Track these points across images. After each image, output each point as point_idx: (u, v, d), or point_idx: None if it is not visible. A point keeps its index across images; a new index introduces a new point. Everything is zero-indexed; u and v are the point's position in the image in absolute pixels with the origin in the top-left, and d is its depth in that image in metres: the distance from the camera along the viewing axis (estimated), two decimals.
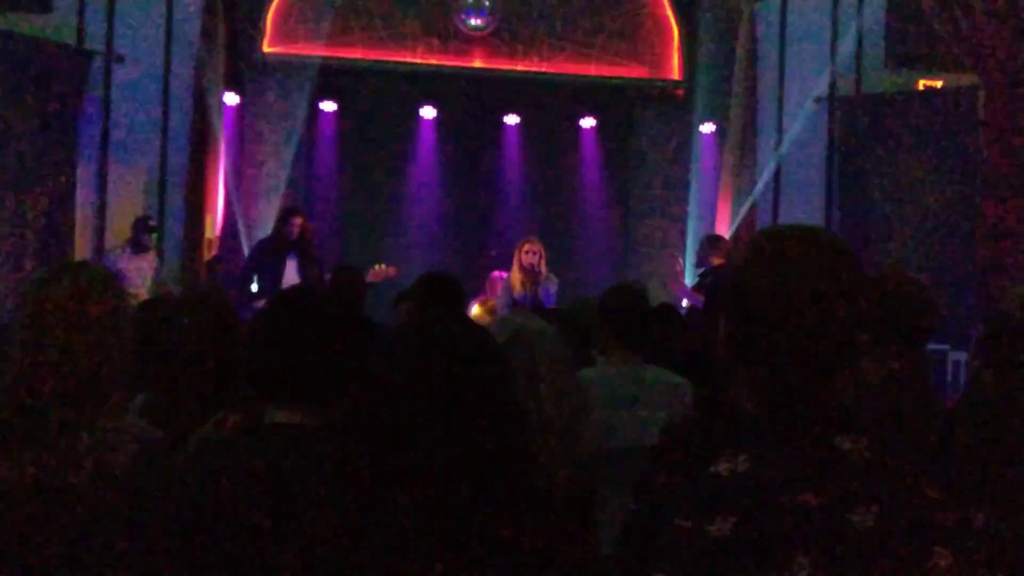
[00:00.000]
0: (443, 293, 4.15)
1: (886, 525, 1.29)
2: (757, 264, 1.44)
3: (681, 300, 8.14)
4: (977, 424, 2.28)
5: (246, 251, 9.40)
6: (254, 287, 8.23)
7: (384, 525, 1.49)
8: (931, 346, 7.60)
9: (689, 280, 8.95)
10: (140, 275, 8.43)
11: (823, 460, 1.35)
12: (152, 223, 8.74)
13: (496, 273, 9.12)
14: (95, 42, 9.25)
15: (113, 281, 2.34)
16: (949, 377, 7.92)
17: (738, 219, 10.02)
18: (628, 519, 2.70)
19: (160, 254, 9.00)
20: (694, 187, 10.90)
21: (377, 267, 7.81)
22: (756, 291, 1.42)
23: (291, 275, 8.04)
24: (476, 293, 8.59)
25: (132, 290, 8.28)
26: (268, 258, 8.08)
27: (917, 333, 2.56)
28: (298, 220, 8.19)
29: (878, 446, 1.36)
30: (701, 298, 7.89)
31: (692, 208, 10.82)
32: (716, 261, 8.42)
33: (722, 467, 1.40)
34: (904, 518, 1.30)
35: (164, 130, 9.49)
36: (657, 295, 8.37)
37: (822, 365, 1.39)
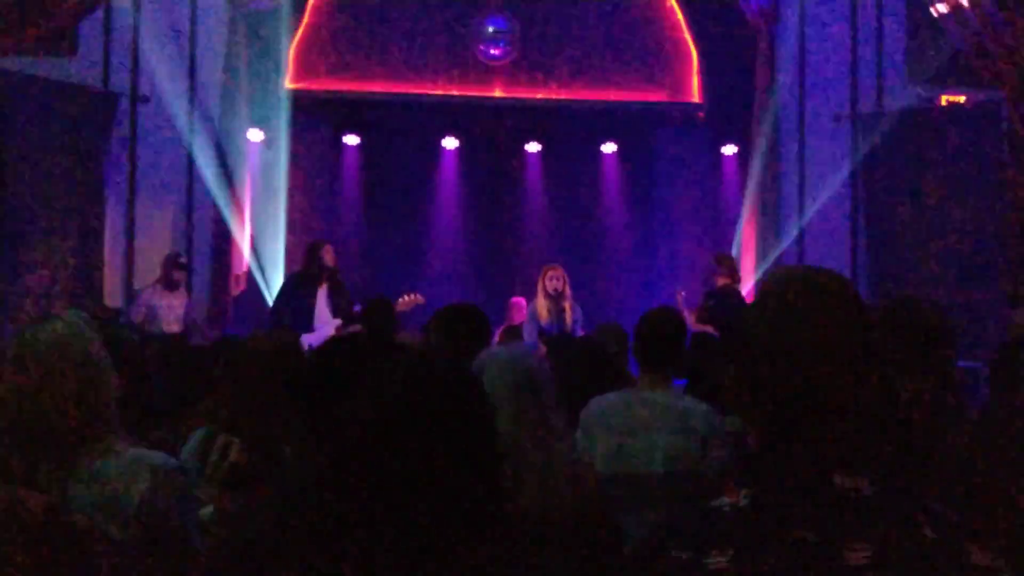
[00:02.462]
0: (468, 326, 4.15)
1: (879, 564, 1.31)
2: (761, 309, 1.48)
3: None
4: (985, 446, 2.28)
5: (263, 284, 9.49)
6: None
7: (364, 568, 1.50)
8: (962, 363, 7.56)
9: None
10: (172, 312, 8.53)
11: (821, 498, 1.38)
12: (182, 260, 8.84)
13: (516, 299, 9.14)
14: (120, 84, 9.38)
15: (87, 327, 2.40)
16: (983, 395, 7.83)
17: (763, 239, 9.98)
18: (632, 549, 2.70)
19: (190, 291, 9.08)
20: (717, 208, 10.90)
21: (405, 297, 7.84)
22: (759, 335, 1.46)
23: (321, 308, 8.07)
24: (500, 320, 8.61)
25: (164, 326, 8.37)
26: (299, 292, 8.11)
27: (936, 358, 2.55)
28: (330, 249, 8.25)
29: (877, 485, 1.38)
30: (703, 327, 7.85)
31: (716, 230, 10.81)
32: (721, 281, 8.41)
33: (724, 501, 1.44)
34: (899, 558, 1.31)
35: (189, 168, 9.60)
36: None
37: (823, 406, 1.42)
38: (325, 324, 7.98)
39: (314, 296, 8.06)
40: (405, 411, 1.53)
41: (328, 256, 8.15)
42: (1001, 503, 2.21)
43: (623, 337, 5.40)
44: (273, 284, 9.54)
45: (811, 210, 10.12)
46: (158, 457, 2.37)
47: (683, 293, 8.64)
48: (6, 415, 2.25)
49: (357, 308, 8.17)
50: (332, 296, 8.13)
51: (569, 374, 3.89)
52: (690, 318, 8.15)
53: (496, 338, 7.05)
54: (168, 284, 8.65)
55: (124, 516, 2.21)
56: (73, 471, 2.23)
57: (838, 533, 1.34)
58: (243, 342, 3.60)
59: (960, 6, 8.23)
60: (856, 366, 1.43)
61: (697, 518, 1.45)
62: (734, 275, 8.67)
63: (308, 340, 7.55)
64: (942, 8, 8.44)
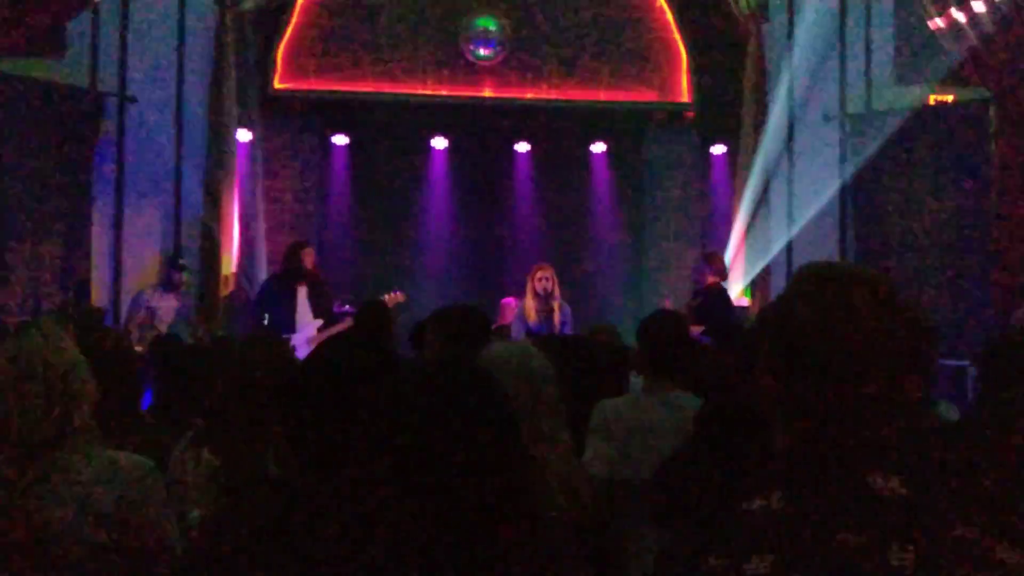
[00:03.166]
0: (469, 328, 4.15)
1: (924, 565, 1.28)
2: (801, 303, 1.45)
3: None
4: (971, 444, 2.28)
5: (246, 284, 9.48)
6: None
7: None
8: (950, 362, 7.58)
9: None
10: (169, 313, 8.54)
11: (858, 498, 1.35)
12: (183, 262, 8.85)
13: (507, 300, 9.13)
14: (108, 84, 9.34)
15: (61, 335, 2.43)
16: (970, 394, 7.84)
17: (751, 238, 9.99)
18: (659, 555, 2.68)
19: (188, 292, 9.07)
20: (707, 208, 10.90)
21: (387, 296, 7.86)
22: (798, 330, 1.42)
23: (303, 309, 8.08)
24: (491, 320, 8.60)
25: (161, 327, 8.37)
26: (280, 293, 8.13)
27: (920, 361, 2.54)
28: (310, 251, 8.28)
29: (910, 484, 1.36)
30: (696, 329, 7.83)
31: (706, 230, 10.82)
32: (710, 279, 8.40)
33: (756, 504, 1.39)
34: (942, 558, 1.29)
35: (178, 169, 9.57)
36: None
37: (860, 403, 1.39)
38: (307, 324, 7.99)
39: (294, 297, 8.09)
40: (431, 416, 1.52)
41: (308, 259, 8.20)
42: (986, 500, 2.21)
43: (616, 337, 5.38)
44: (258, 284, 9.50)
45: (800, 210, 10.13)
46: (133, 460, 2.38)
47: (668, 301, 8.64)
48: None
49: (343, 308, 8.18)
50: (313, 296, 8.16)
51: (562, 374, 3.87)
52: None
53: None
54: (168, 285, 8.68)
55: (101, 519, 2.22)
56: (47, 476, 2.23)
57: (879, 535, 1.31)
58: (235, 348, 3.60)
59: (955, 20, 8.27)
60: (898, 366, 1.41)
61: (731, 521, 1.41)
62: (722, 274, 8.68)
63: (290, 341, 7.55)
64: (940, 23, 8.47)
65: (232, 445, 2.92)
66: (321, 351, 2.23)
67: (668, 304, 8.59)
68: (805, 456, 1.41)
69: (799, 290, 1.48)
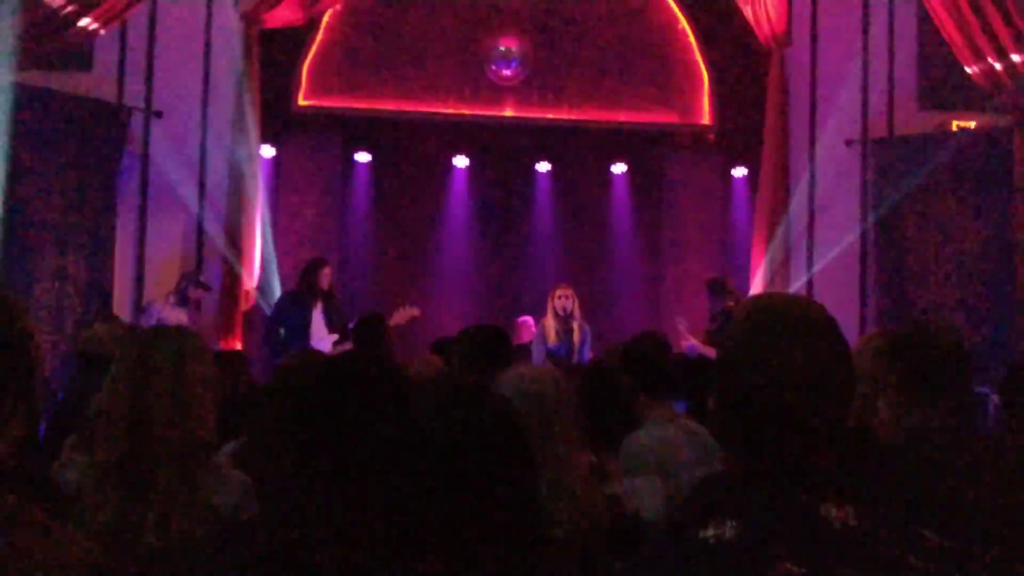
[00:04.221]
0: (492, 349, 4.16)
1: None
2: (739, 338, 1.48)
3: (694, 354, 8.05)
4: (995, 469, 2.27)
5: (262, 302, 9.50)
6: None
7: None
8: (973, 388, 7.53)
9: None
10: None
11: (807, 529, 1.37)
12: (203, 279, 8.87)
13: (523, 318, 9.13)
14: (134, 98, 9.43)
15: (208, 347, 2.44)
16: (991, 421, 7.79)
17: (773, 263, 9.97)
18: None
19: (198, 307, 9.10)
20: (727, 231, 10.89)
21: (401, 310, 7.87)
22: (740, 362, 1.46)
23: (317, 326, 8.10)
24: (511, 342, 8.59)
25: None
26: (296, 309, 8.14)
27: (951, 381, 2.53)
28: (328, 271, 8.29)
29: (864, 514, 1.38)
30: (706, 350, 7.80)
31: (726, 252, 10.80)
32: (729, 304, 8.36)
33: (710, 533, 1.41)
34: None
35: (201, 184, 9.64)
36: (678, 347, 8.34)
37: (803, 434, 1.42)
38: (321, 340, 8.00)
39: (309, 313, 8.09)
40: (444, 442, 1.53)
41: (325, 279, 8.20)
42: (1009, 527, 2.20)
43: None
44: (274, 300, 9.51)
45: (822, 235, 10.11)
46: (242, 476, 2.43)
47: (684, 323, 8.61)
48: (117, 425, 2.26)
49: (353, 325, 8.19)
50: (327, 312, 8.17)
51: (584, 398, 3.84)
52: (691, 342, 8.11)
53: None
54: (181, 300, 8.67)
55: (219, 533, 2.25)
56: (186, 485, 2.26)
57: (826, 565, 1.33)
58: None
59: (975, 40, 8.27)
60: (840, 393, 1.44)
61: (685, 549, 1.42)
62: (734, 297, 8.62)
63: None
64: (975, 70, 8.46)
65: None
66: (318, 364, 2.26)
67: (683, 326, 8.57)
68: (758, 485, 1.43)
69: (736, 325, 1.51)
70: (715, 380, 1.51)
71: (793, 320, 1.46)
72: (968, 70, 8.63)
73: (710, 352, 7.77)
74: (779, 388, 1.41)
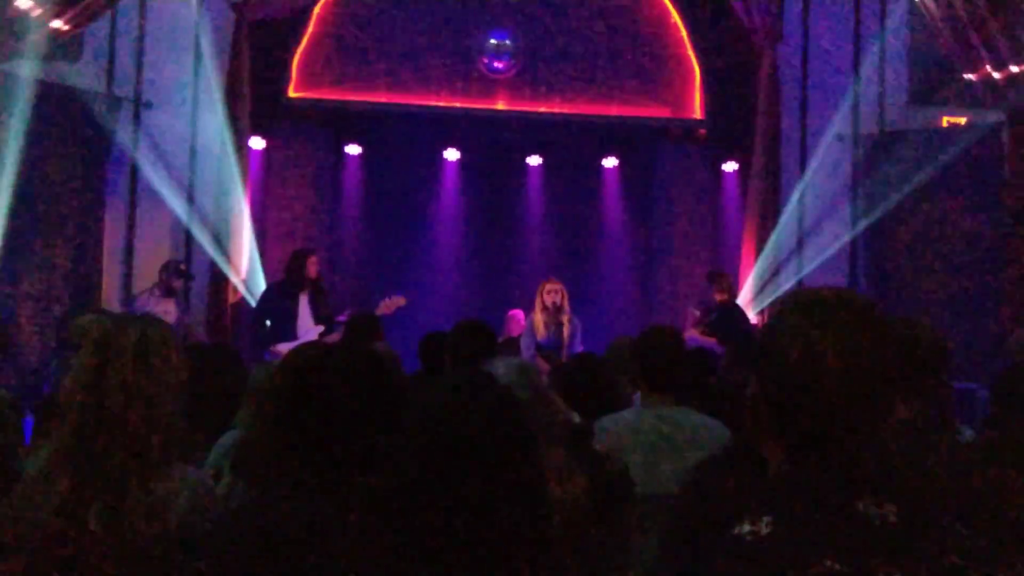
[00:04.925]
0: (476, 342, 4.25)
1: None
2: (786, 328, 1.46)
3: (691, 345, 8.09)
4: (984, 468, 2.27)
5: (246, 294, 9.49)
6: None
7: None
8: (960, 384, 7.57)
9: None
10: (166, 319, 8.47)
11: (846, 525, 1.35)
12: (183, 268, 8.81)
13: (513, 311, 9.13)
14: (124, 89, 9.39)
15: (173, 336, 2.40)
16: (980, 416, 7.82)
17: (763, 257, 9.99)
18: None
19: (187, 299, 9.08)
20: (717, 225, 10.90)
21: (387, 300, 7.86)
22: (785, 355, 1.43)
23: (304, 317, 8.06)
24: (498, 332, 8.60)
25: None
26: (282, 301, 8.10)
27: (934, 382, 2.54)
28: (314, 260, 8.25)
29: (903, 512, 1.36)
30: (711, 340, 7.85)
31: (717, 246, 10.81)
32: (719, 297, 8.45)
33: (746, 529, 1.39)
34: None
35: (191, 175, 9.60)
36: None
37: (849, 428, 1.40)
38: (308, 332, 7.98)
39: (295, 304, 8.05)
40: (455, 438, 1.53)
41: (312, 267, 8.14)
42: (1001, 526, 2.20)
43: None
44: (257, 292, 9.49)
45: (811, 229, 10.13)
46: (200, 476, 2.42)
47: (697, 312, 8.64)
48: (76, 415, 2.24)
49: (341, 317, 8.16)
50: (313, 303, 8.13)
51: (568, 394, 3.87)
52: (692, 334, 8.14)
53: None
54: (166, 291, 8.60)
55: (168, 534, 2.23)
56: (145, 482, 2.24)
57: (867, 563, 1.31)
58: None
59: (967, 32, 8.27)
60: (882, 389, 1.42)
61: (720, 546, 1.41)
62: (730, 292, 8.71)
63: (291, 348, 7.52)
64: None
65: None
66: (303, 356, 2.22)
67: (694, 315, 8.60)
68: (796, 481, 1.42)
69: (786, 318, 1.49)
70: (758, 370, 1.49)
71: (838, 314, 1.44)
72: (967, 77, 8.64)
73: (709, 343, 7.82)
74: (822, 382, 1.40)
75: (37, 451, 2.60)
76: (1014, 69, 8.17)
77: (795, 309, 1.48)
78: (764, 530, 1.38)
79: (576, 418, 3.35)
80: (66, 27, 8.05)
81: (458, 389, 1.60)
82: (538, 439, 1.61)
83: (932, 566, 1.31)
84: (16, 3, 7.60)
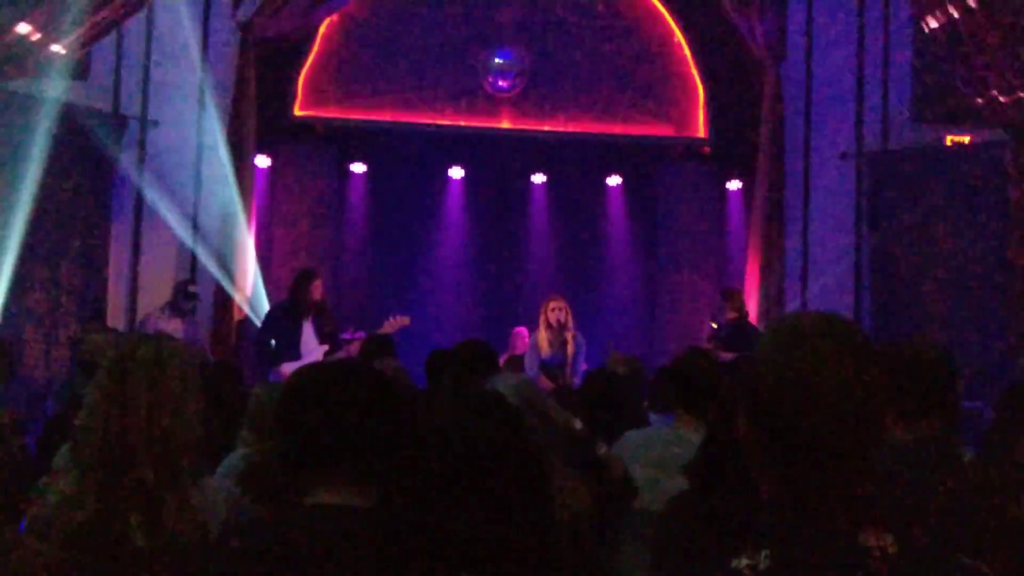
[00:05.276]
0: (480, 361, 4.27)
1: None
2: (772, 358, 1.43)
3: None
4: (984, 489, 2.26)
5: (250, 312, 9.49)
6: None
7: None
8: (965, 404, 7.54)
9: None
10: (176, 336, 8.54)
11: (846, 558, 1.32)
12: (192, 289, 8.87)
13: (518, 329, 9.13)
14: (130, 107, 9.44)
15: (187, 352, 2.43)
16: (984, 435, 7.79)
17: (767, 275, 9.98)
18: None
19: (195, 317, 9.11)
20: (721, 243, 10.91)
21: (391, 320, 7.86)
22: (773, 385, 1.41)
23: (308, 338, 8.06)
24: (502, 349, 8.60)
25: None
26: (286, 322, 8.10)
27: (941, 403, 2.52)
28: (319, 283, 8.25)
29: (903, 543, 1.34)
30: (729, 356, 7.81)
31: (720, 265, 10.82)
32: (730, 315, 8.47)
33: (743, 563, 1.37)
34: None
35: (196, 193, 9.63)
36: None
37: (843, 458, 1.37)
38: (312, 352, 7.98)
39: (299, 326, 8.05)
40: (464, 457, 1.53)
41: (316, 291, 8.12)
42: (1002, 545, 2.19)
43: (637, 367, 5.33)
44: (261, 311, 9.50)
45: (815, 247, 10.13)
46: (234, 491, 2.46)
47: (715, 326, 8.65)
48: (100, 428, 2.26)
49: (346, 335, 8.16)
50: (317, 324, 8.13)
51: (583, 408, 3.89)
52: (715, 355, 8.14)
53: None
54: (176, 310, 8.72)
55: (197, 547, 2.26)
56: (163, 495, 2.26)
57: None
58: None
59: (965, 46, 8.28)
60: (874, 417, 1.39)
61: None
62: (741, 310, 8.69)
63: (296, 368, 7.52)
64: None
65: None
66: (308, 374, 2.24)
67: (711, 328, 8.61)
68: (792, 512, 1.39)
69: (768, 347, 1.45)
70: (746, 403, 1.46)
71: (827, 341, 1.41)
72: (970, 96, 8.64)
73: (724, 358, 7.78)
74: (815, 412, 1.37)
75: (51, 470, 2.61)
76: (1021, 94, 8.18)
77: (776, 341, 1.45)
78: (762, 564, 1.35)
79: (579, 424, 3.36)
80: (64, 51, 8.09)
81: (466, 407, 1.61)
82: (545, 457, 1.62)
83: None
84: (15, 28, 7.64)
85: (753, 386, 1.44)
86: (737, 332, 8.31)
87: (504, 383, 2.79)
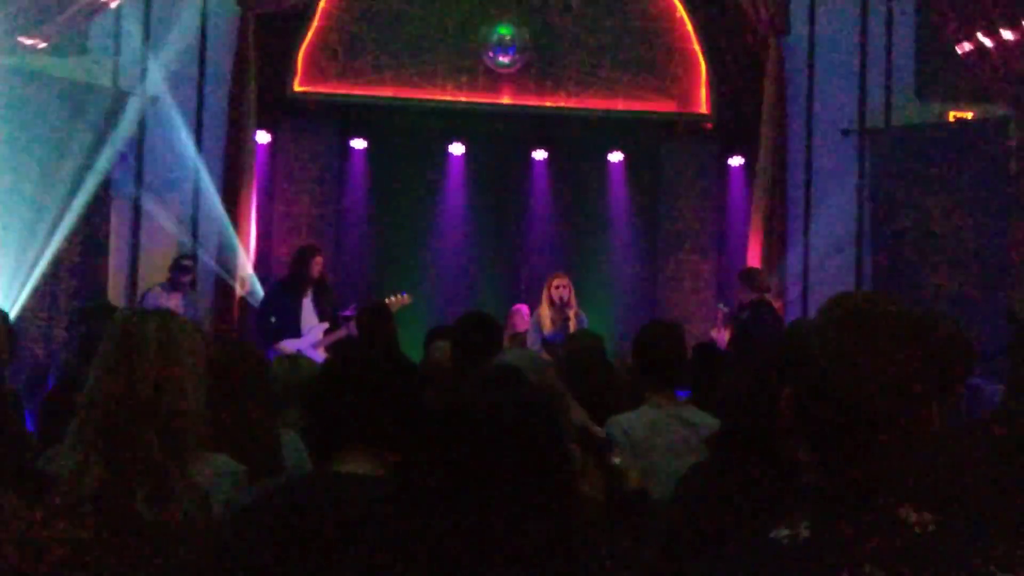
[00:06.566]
0: (482, 335, 4.22)
1: None
2: (823, 336, 1.45)
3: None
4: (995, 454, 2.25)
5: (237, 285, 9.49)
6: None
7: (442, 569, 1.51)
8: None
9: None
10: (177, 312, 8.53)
11: (886, 532, 1.35)
12: (184, 263, 8.87)
13: (518, 306, 9.12)
14: (129, 83, 9.39)
15: (192, 326, 2.44)
16: (986, 411, 7.80)
17: (769, 252, 9.97)
18: None
19: (194, 290, 9.11)
20: (723, 219, 10.89)
21: (392, 298, 7.86)
22: (825, 361, 1.43)
23: (308, 314, 8.06)
24: (502, 327, 8.58)
25: None
26: (286, 298, 8.10)
27: (953, 378, 2.51)
28: (319, 259, 8.24)
29: (944, 521, 1.36)
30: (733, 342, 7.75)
31: (723, 241, 10.80)
32: (752, 296, 8.28)
33: (783, 533, 1.39)
34: None
35: (196, 169, 9.60)
36: (695, 334, 8.29)
37: (888, 434, 1.39)
38: (312, 329, 7.98)
39: (299, 302, 8.05)
40: (489, 432, 1.53)
41: (316, 267, 8.13)
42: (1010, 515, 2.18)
43: (597, 342, 5.21)
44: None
45: (817, 224, 10.11)
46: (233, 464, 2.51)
47: (726, 309, 8.54)
48: (106, 401, 2.26)
49: (346, 312, 8.17)
50: (317, 300, 8.13)
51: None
52: (723, 334, 8.08)
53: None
54: (174, 286, 8.74)
55: (208, 521, 2.30)
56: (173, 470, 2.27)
57: (904, 569, 1.31)
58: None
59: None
60: (923, 394, 1.41)
61: (756, 550, 1.40)
62: (763, 290, 8.50)
63: (296, 345, 7.55)
64: (966, 46, 8.41)
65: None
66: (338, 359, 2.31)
67: (723, 312, 8.51)
68: (834, 488, 1.41)
69: (821, 325, 1.48)
70: (795, 377, 1.48)
71: (877, 319, 1.44)
72: (959, 50, 8.59)
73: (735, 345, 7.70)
74: (862, 388, 1.39)
75: (54, 444, 2.61)
76: (1008, 36, 8.12)
77: (830, 319, 1.48)
78: (803, 534, 1.38)
79: (586, 418, 3.33)
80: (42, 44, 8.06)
81: (490, 383, 1.60)
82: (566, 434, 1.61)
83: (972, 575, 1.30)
84: None
85: (801, 363, 1.46)
86: (757, 313, 8.11)
87: (519, 357, 2.78)
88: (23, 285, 8.22)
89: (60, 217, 8.58)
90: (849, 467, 1.40)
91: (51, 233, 8.51)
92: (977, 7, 8.17)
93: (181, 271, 8.83)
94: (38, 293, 8.39)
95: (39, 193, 8.37)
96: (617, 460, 3.15)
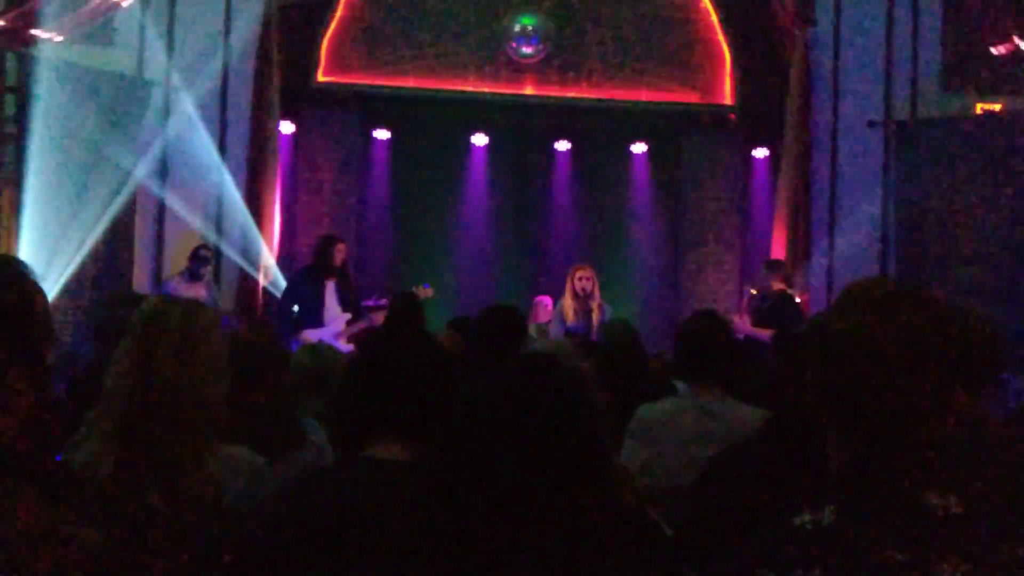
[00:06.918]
0: (508, 326, 4.21)
1: None
2: (850, 319, 1.45)
3: (740, 334, 7.94)
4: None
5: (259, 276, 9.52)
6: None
7: (471, 560, 1.50)
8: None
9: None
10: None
11: (910, 516, 1.35)
12: (202, 253, 8.89)
13: (540, 297, 9.11)
14: (154, 72, 9.42)
15: (216, 317, 2.43)
16: (1013, 406, 7.73)
17: (793, 244, 9.92)
18: (705, 567, 2.64)
19: (218, 281, 9.14)
20: (747, 211, 10.84)
21: (415, 289, 7.86)
22: (849, 345, 1.43)
23: (330, 304, 8.07)
24: (525, 318, 8.57)
25: None
26: (308, 287, 8.11)
27: (987, 372, 2.49)
28: (342, 247, 8.25)
29: (967, 503, 1.35)
30: (763, 332, 7.64)
31: (746, 233, 10.75)
32: (777, 286, 8.23)
33: (807, 519, 1.39)
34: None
35: (221, 159, 9.63)
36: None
37: (912, 419, 1.40)
38: (334, 319, 7.99)
39: (322, 290, 8.05)
40: (525, 421, 1.52)
41: (339, 255, 8.12)
42: None
43: (630, 333, 5.19)
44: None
45: (842, 217, 10.05)
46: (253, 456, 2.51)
47: (755, 292, 8.48)
48: (125, 393, 2.26)
49: (369, 302, 8.17)
50: (340, 290, 8.13)
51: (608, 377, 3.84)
52: (744, 321, 8.03)
53: None
54: (193, 275, 8.77)
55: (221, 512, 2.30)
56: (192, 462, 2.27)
57: (929, 553, 1.31)
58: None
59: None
60: (945, 379, 1.41)
61: (780, 535, 1.40)
62: (788, 280, 8.46)
63: (318, 335, 7.56)
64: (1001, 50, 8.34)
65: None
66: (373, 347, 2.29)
67: (750, 294, 8.46)
68: (859, 472, 1.41)
69: (844, 309, 1.48)
70: (816, 362, 1.48)
71: (901, 307, 1.44)
72: (993, 51, 8.52)
73: (759, 334, 7.63)
74: (885, 372, 1.40)
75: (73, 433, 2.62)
76: None
77: (855, 303, 1.48)
78: (827, 519, 1.38)
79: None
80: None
81: (526, 371, 1.59)
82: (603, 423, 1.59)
83: (997, 559, 1.30)
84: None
85: (824, 347, 1.47)
86: (780, 305, 8.05)
87: (551, 348, 2.76)
88: (60, 275, 8.28)
89: (88, 207, 8.63)
90: (871, 452, 1.40)
91: (87, 222, 8.56)
92: (1008, 5, 8.08)
93: (200, 261, 8.86)
94: (64, 283, 8.45)
95: (74, 183, 8.42)
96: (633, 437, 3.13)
